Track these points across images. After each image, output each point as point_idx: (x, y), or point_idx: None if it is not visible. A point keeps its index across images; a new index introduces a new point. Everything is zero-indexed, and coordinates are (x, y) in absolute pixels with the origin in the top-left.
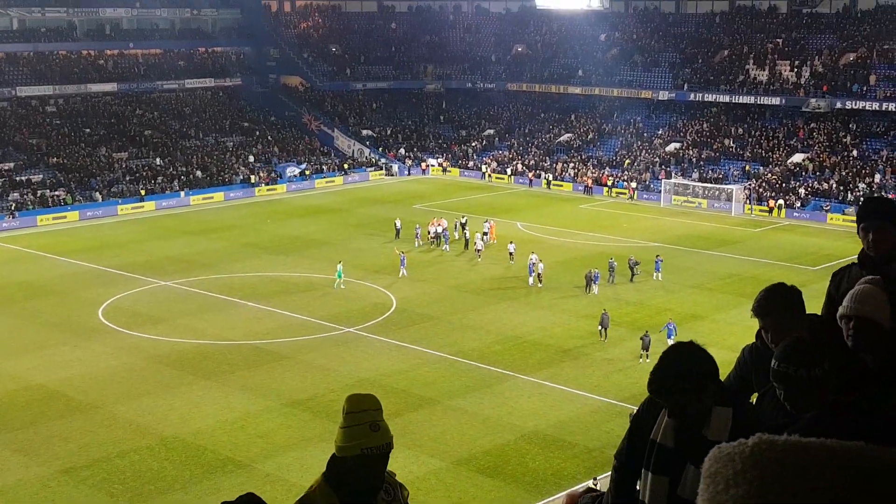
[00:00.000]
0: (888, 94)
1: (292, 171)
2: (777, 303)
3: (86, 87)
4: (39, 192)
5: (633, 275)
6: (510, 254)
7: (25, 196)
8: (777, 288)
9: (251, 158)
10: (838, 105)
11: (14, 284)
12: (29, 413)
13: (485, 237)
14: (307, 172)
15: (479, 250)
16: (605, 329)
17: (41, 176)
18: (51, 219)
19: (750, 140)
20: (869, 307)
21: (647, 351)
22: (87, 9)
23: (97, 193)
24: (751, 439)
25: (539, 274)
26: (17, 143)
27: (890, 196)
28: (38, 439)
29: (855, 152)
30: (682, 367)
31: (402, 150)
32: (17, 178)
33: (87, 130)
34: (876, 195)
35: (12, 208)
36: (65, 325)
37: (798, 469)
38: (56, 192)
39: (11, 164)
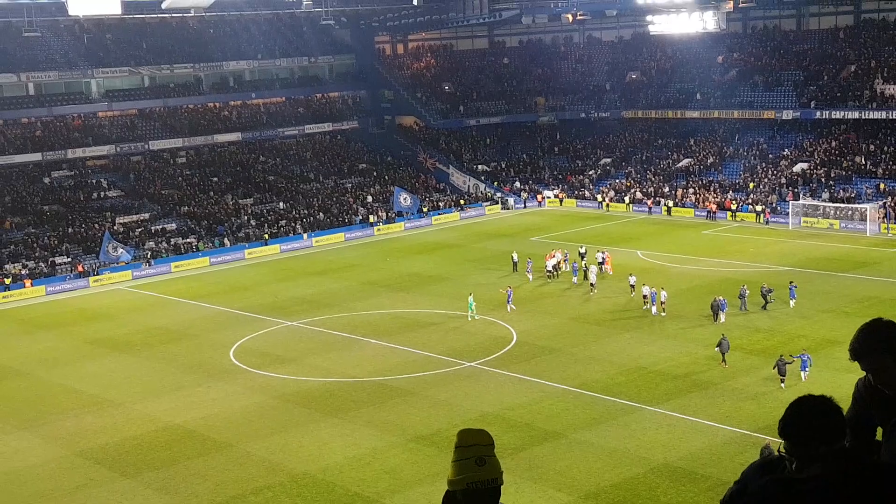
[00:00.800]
0: None
1: (404, 197)
2: (872, 344)
3: (212, 137)
4: (172, 240)
5: (766, 303)
6: (631, 286)
7: (160, 244)
8: (872, 326)
9: (369, 199)
10: None
11: (152, 329)
12: (168, 452)
13: (601, 267)
14: (423, 209)
15: (592, 285)
16: (724, 354)
17: (174, 224)
18: (183, 265)
19: (883, 156)
20: None
21: (783, 377)
22: (212, 63)
23: (225, 239)
24: None
25: (662, 303)
26: (152, 195)
27: None
28: (178, 478)
29: None
30: (816, 419)
31: (517, 184)
32: (152, 228)
33: (215, 179)
34: None
35: (148, 256)
36: (199, 367)
37: None
38: (188, 240)
39: (147, 215)
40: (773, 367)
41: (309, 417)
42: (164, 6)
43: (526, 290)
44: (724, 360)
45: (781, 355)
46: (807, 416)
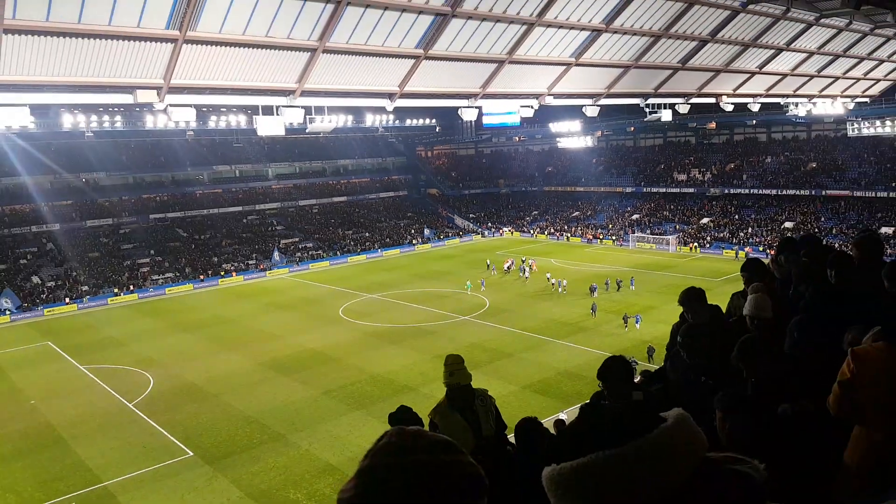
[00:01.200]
0: (753, 185)
1: (428, 232)
2: (689, 297)
3: (331, 199)
4: (310, 252)
5: (618, 287)
6: (548, 278)
7: (303, 254)
8: (690, 289)
9: (413, 231)
10: (726, 191)
11: (298, 298)
12: (307, 362)
13: (529, 268)
14: (440, 237)
15: (526, 277)
16: (594, 311)
17: (311, 244)
18: (315, 266)
19: (678, 211)
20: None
21: (626, 324)
22: (332, 160)
23: (338, 252)
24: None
25: (564, 286)
26: (300, 228)
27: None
28: (311, 377)
29: (736, 216)
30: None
31: (489, 223)
32: (300, 246)
33: (333, 220)
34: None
35: (298, 260)
36: (324, 318)
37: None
38: (318, 252)
39: (297, 239)
40: (622, 319)
41: (380, 344)
42: (307, 130)
43: (493, 280)
44: (594, 314)
45: (625, 313)
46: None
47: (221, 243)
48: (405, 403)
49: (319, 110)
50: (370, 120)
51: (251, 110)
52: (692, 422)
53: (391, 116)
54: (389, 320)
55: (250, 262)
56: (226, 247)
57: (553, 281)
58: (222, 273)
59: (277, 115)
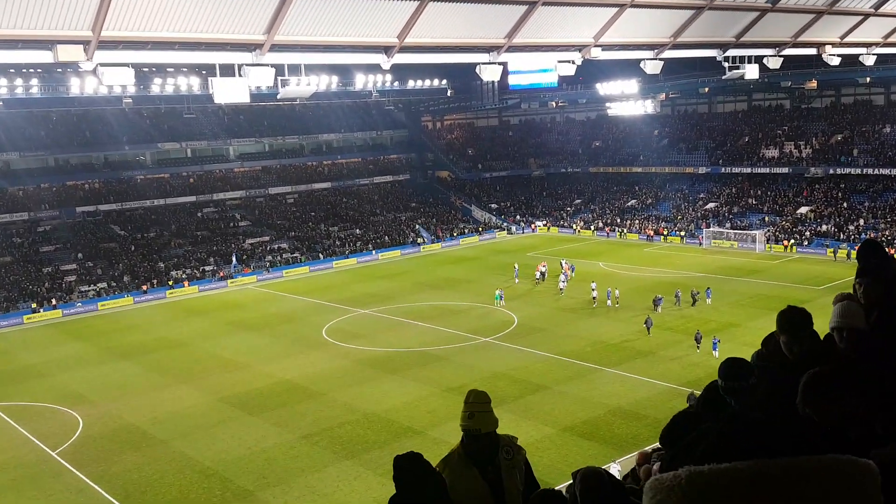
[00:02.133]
0: (867, 162)
1: (425, 236)
2: (794, 321)
3: (311, 185)
4: (284, 255)
5: (693, 301)
6: (592, 291)
7: (275, 258)
8: (792, 310)
9: (417, 226)
10: (830, 171)
11: (270, 315)
12: (280, 398)
13: (564, 274)
14: (441, 235)
15: (561, 287)
16: (649, 328)
17: (285, 244)
18: (291, 272)
19: (767, 198)
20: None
21: (699, 344)
22: (311, 135)
23: (320, 254)
24: (682, 471)
25: (617, 297)
26: (270, 224)
27: (871, 235)
28: (287, 416)
29: (844, 204)
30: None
31: (517, 216)
32: (270, 247)
33: (313, 213)
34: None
35: (268, 266)
36: (302, 340)
37: (726, 497)
38: (294, 255)
39: (267, 238)
40: (693, 339)
41: (376, 375)
42: (278, 97)
43: (523, 290)
44: (649, 332)
45: (698, 331)
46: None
47: (169, 244)
48: (412, 446)
49: (295, 70)
50: (361, 82)
51: (206, 71)
52: (877, 482)
53: (388, 77)
54: (388, 343)
55: (207, 268)
56: (175, 248)
57: (595, 294)
58: (171, 283)
59: (240, 76)
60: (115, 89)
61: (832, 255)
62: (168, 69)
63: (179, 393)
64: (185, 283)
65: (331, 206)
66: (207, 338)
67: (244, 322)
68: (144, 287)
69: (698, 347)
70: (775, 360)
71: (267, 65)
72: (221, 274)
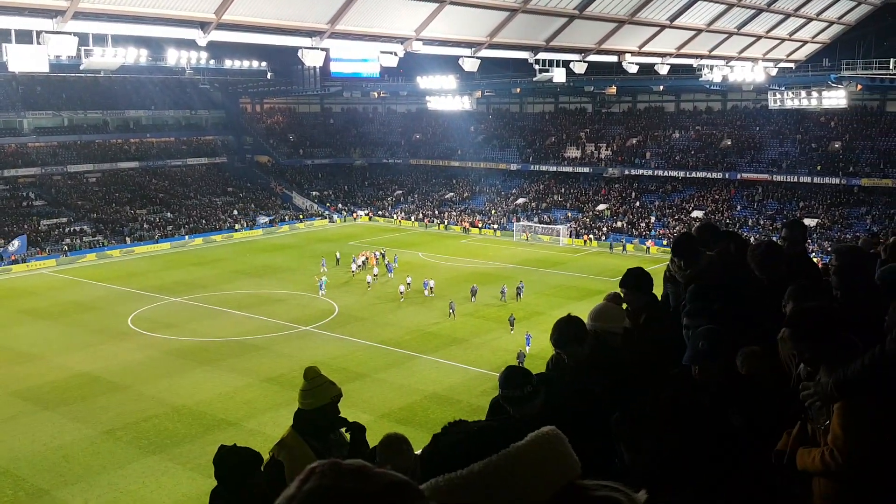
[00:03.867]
0: (658, 164)
1: (262, 219)
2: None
3: (116, 164)
4: (85, 238)
5: (518, 295)
6: (405, 286)
7: (75, 241)
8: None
9: (235, 212)
10: (626, 172)
11: (67, 302)
12: (80, 392)
13: (371, 265)
14: (276, 221)
15: (369, 282)
16: (453, 312)
17: (86, 227)
18: (93, 257)
19: (570, 195)
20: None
21: (512, 327)
22: (117, 110)
23: (126, 238)
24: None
25: (432, 288)
26: (69, 204)
27: (661, 232)
28: (87, 410)
29: (637, 203)
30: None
31: (339, 205)
32: (69, 230)
33: (118, 194)
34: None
35: (65, 250)
36: (105, 331)
37: None
38: (96, 238)
39: (65, 219)
40: (508, 322)
41: (187, 366)
42: (81, 67)
43: (344, 278)
44: (453, 316)
45: (512, 315)
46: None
47: None
48: (224, 443)
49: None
50: (174, 58)
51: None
52: (566, 443)
53: (204, 54)
54: (201, 333)
55: None
56: None
57: (403, 289)
58: None
59: (39, 44)
60: None
61: (621, 249)
62: None
63: None
64: None
65: (139, 188)
66: None
67: (37, 310)
68: None
69: (512, 330)
70: (564, 368)
71: (69, 33)
72: (14, 257)
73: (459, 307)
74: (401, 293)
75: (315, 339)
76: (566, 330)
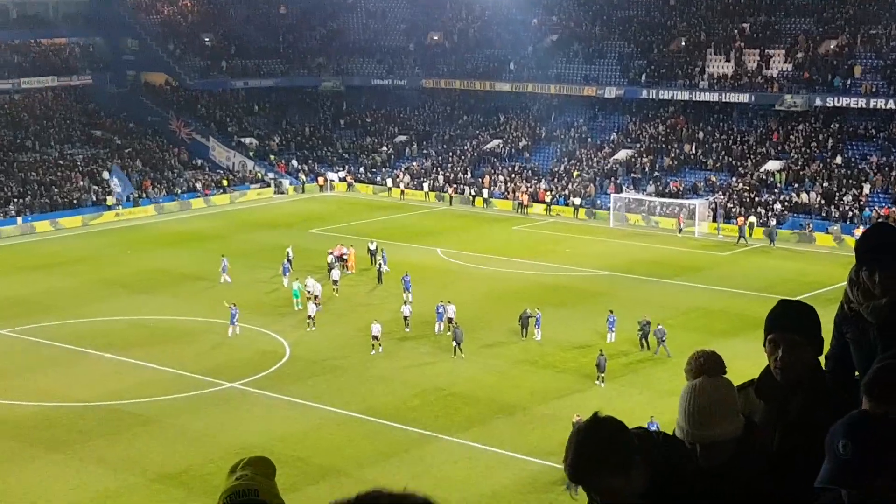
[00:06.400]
0: (875, 89)
1: (115, 184)
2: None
3: None
4: None
5: (661, 345)
6: (403, 309)
7: None
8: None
9: (107, 174)
10: (818, 102)
11: None
12: None
13: (336, 268)
14: (179, 190)
15: (316, 297)
16: (459, 344)
17: None
18: None
19: (715, 145)
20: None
21: (601, 380)
22: None
23: None
24: None
25: (451, 318)
26: None
27: (884, 211)
28: None
29: (839, 158)
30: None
31: (294, 163)
32: None
33: None
34: (788, 299)
35: None
36: None
37: None
38: None
39: None
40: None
41: (21, 453)
42: None
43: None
44: (458, 352)
45: (601, 354)
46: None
47: None
48: None
49: None
50: None
51: None
52: None
53: None
54: (45, 393)
55: None
56: None
57: (407, 310)
58: None
59: None
60: None
61: (807, 240)
62: None
63: None
64: None
65: None
66: None
67: None
68: None
69: (599, 382)
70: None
71: None
72: None
73: (503, 348)
74: (405, 318)
75: (250, 403)
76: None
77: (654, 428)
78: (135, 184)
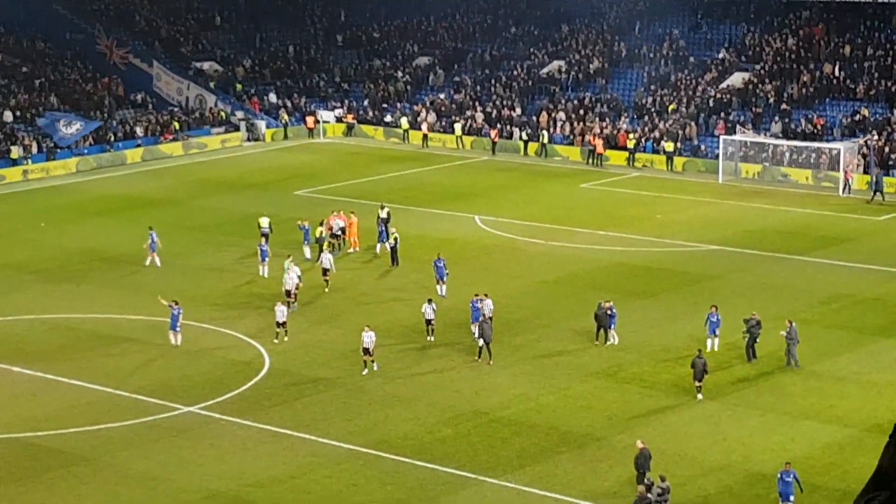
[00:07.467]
0: None
1: (74, 126)
2: None
3: None
4: None
5: (792, 362)
6: (427, 312)
7: None
8: None
9: (8, 116)
10: None
11: None
12: None
13: (336, 244)
14: (110, 135)
15: (296, 288)
16: (487, 349)
17: None
18: None
19: (867, 65)
20: None
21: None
22: None
23: None
24: None
25: (488, 315)
26: None
27: None
28: None
29: None
30: None
31: (272, 97)
32: None
33: None
34: None
35: None
36: None
37: None
38: None
39: None
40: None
41: None
42: None
43: (281, 280)
44: (486, 355)
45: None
46: None
47: None
48: None
49: None
50: None
51: None
52: None
53: None
54: None
55: None
56: None
57: (430, 310)
58: None
59: None
60: None
61: None
62: None
63: None
64: None
65: None
66: None
67: None
68: None
69: (698, 393)
70: None
71: None
72: None
73: (571, 357)
74: (428, 321)
75: (215, 434)
76: None
77: (790, 479)
78: (49, 127)
